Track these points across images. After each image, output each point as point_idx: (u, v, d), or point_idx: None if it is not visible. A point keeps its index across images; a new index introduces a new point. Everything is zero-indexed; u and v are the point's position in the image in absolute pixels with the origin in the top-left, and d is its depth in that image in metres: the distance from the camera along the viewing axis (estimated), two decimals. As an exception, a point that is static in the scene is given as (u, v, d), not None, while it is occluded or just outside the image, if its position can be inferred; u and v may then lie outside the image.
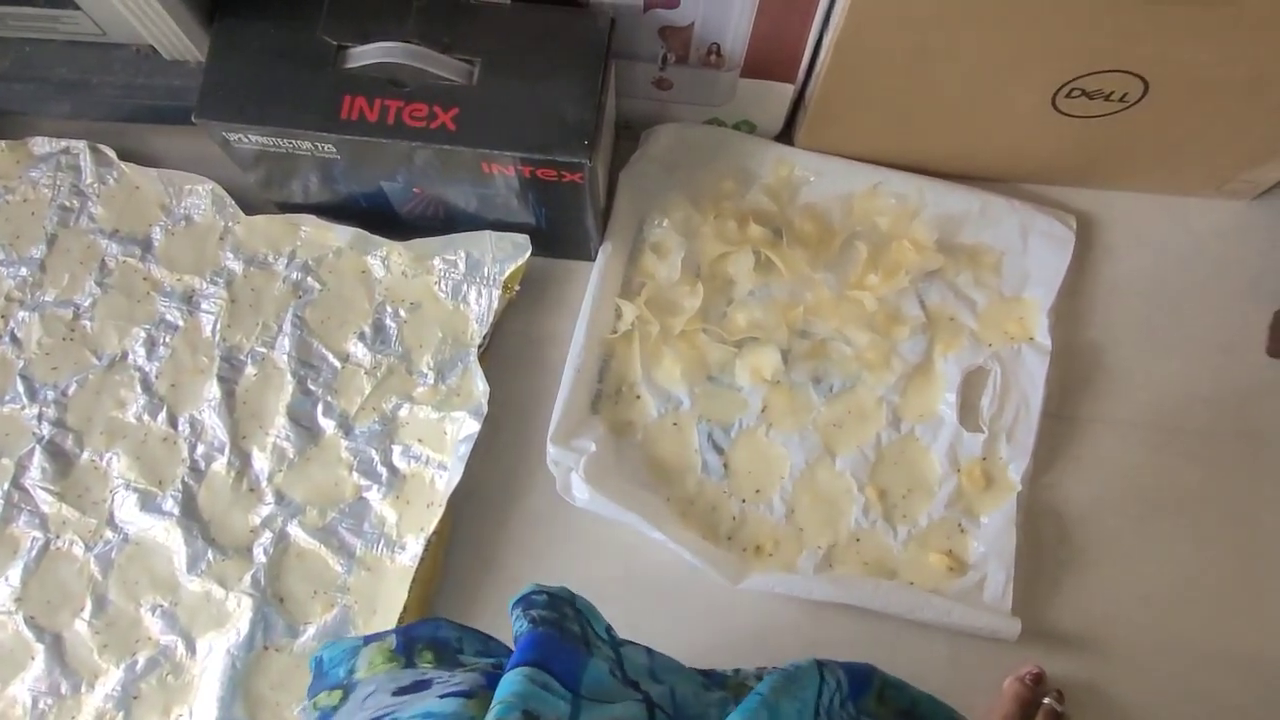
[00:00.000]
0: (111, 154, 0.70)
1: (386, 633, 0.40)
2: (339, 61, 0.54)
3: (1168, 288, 0.69)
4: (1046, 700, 0.58)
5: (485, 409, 0.63)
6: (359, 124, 0.54)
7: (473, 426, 0.63)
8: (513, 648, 0.37)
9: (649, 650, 0.40)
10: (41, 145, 0.71)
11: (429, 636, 0.41)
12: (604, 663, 0.38)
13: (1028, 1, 0.51)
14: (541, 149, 0.53)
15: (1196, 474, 0.65)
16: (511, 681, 0.34)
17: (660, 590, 0.63)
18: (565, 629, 0.38)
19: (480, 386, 0.64)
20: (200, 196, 0.69)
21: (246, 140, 0.56)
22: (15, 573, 0.63)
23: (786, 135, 0.70)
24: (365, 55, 0.54)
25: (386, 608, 0.61)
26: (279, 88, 0.54)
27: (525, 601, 0.39)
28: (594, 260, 0.67)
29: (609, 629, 0.41)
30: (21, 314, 0.67)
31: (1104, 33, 0.53)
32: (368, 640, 0.40)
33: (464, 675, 0.37)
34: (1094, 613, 0.63)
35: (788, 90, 0.64)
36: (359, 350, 0.66)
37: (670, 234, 0.68)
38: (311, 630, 0.61)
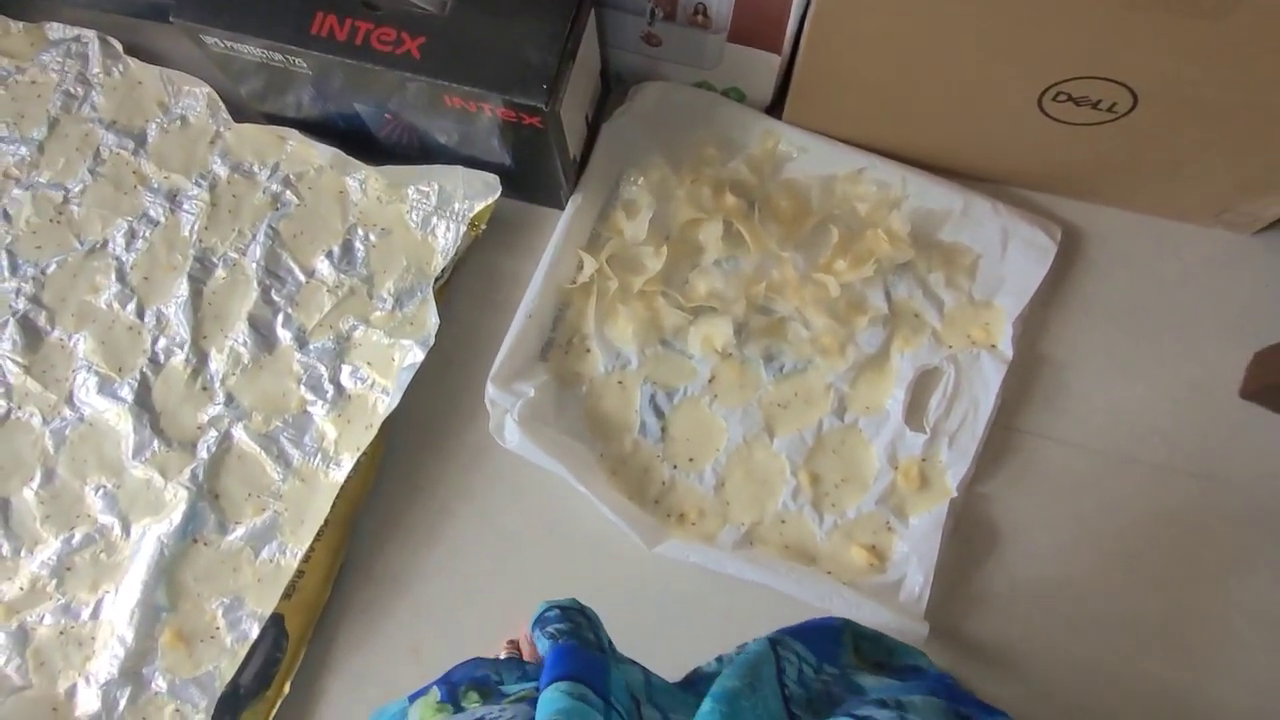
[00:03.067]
0: (119, 47, 0.72)
1: (428, 686, 0.41)
2: (319, -24, 0.55)
3: (1146, 313, 0.67)
4: None
5: (432, 341, 0.64)
6: (327, 41, 0.54)
7: (417, 356, 0.64)
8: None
9: (645, 670, 0.41)
10: (56, 31, 0.73)
11: (469, 677, 0.42)
12: (619, 672, 0.38)
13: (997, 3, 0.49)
14: (500, 88, 0.54)
15: (1142, 507, 0.63)
16: (550, 700, 0.34)
17: (580, 544, 0.64)
18: (583, 638, 0.39)
19: (432, 319, 0.64)
20: (197, 99, 0.71)
21: (221, 45, 0.57)
22: (-25, 435, 0.66)
23: (777, 109, 0.69)
24: (345, -26, 0.54)
25: (313, 519, 0.63)
26: (256, -3, 0.55)
27: (541, 620, 0.40)
28: (563, 209, 0.67)
29: (610, 642, 0.42)
30: (16, 191, 0.70)
31: (1088, 36, 0.51)
32: (412, 699, 0.41)
33: (512, 707, 0.38)
34: (1013, 630, 0.62)
35: (775, 61, 0.63)
36: (325, 268, 0.68)
37: (643, 193, 0.67)
38: (240, 530, 0.63)
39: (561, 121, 0.57)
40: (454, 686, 0.42)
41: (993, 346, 0.65)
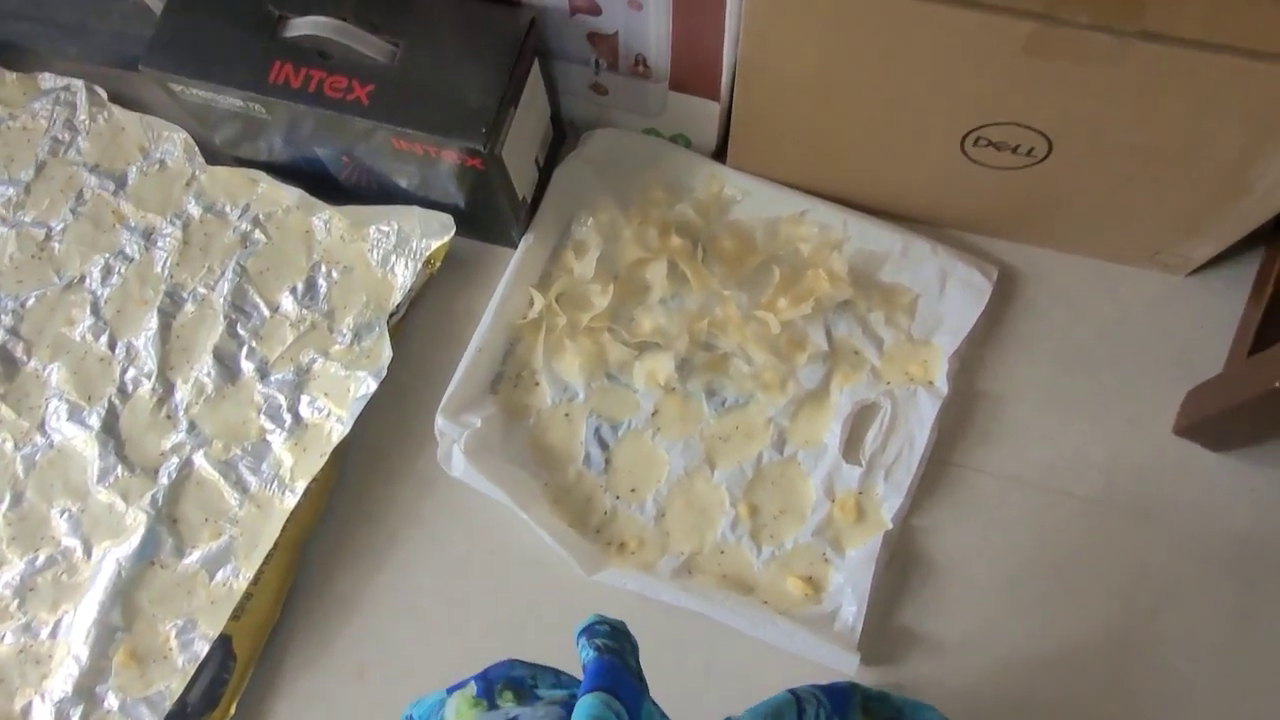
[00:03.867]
0: (104, 95, 0.76)
1: (465, 681, 0.42)
2: (278, 29, 0.59)
3: (1082, 351, 0.68)
4: None
5: (385, 372, 0.66)
6: (283, 88, 0.58)
7: (370, 387, 0.66)
8: (579, 678, 0.38)
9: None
10: (48, 80, 0.78)
11: (505, 676, 0.43)
12: (649, 706, 0.39)
13: (915, 45, 0.52)
14: (443, 131, 0.57)
15: (1076, 541, 0.64)
16: (587, 705, 0.35)
17: (522, 569, 0.65)
18: (627, 663, 0.39)
19: (386, 352, 0.67)
20: (174, 144, 0.75)
21: (188, 92, 0.61)
22: (-50, 459, 0.69)
23: (721, 154, 0.72)
24: (300, 26, 0.58)
25: (265, 543, 0.65)
26: (219, 46, 0.59)
27: (589, 630, 0.41)
28: (515, 248, 0.70)
29: (644, 677, 0.42)
30: (1, 229, 0.74)
31: (997, 82, 0.53)
32: (450, 691, 0.42)
33: (545, 709, 0.39)
34: (946, 663, 0.62)
35: (715, 108, 0.66)
36: (289, 303, 0.71)
37: (592, 233, 0.70)
38: (196, 554, 0.66)
39: (504, 164, 0.60)
40: (490, 684, 0.42)
41: (930, 383, 0.67)
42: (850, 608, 0.62)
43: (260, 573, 0.63)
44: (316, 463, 0.67)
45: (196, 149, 0.74)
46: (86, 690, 0.63)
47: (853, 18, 0.52)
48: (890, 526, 0.64)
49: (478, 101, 0.57)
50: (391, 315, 0.69)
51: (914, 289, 0.69)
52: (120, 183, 0.75)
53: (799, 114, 0.62)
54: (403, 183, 0.67)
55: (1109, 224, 0.65)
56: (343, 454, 0.66)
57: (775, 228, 0.71)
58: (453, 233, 0.68)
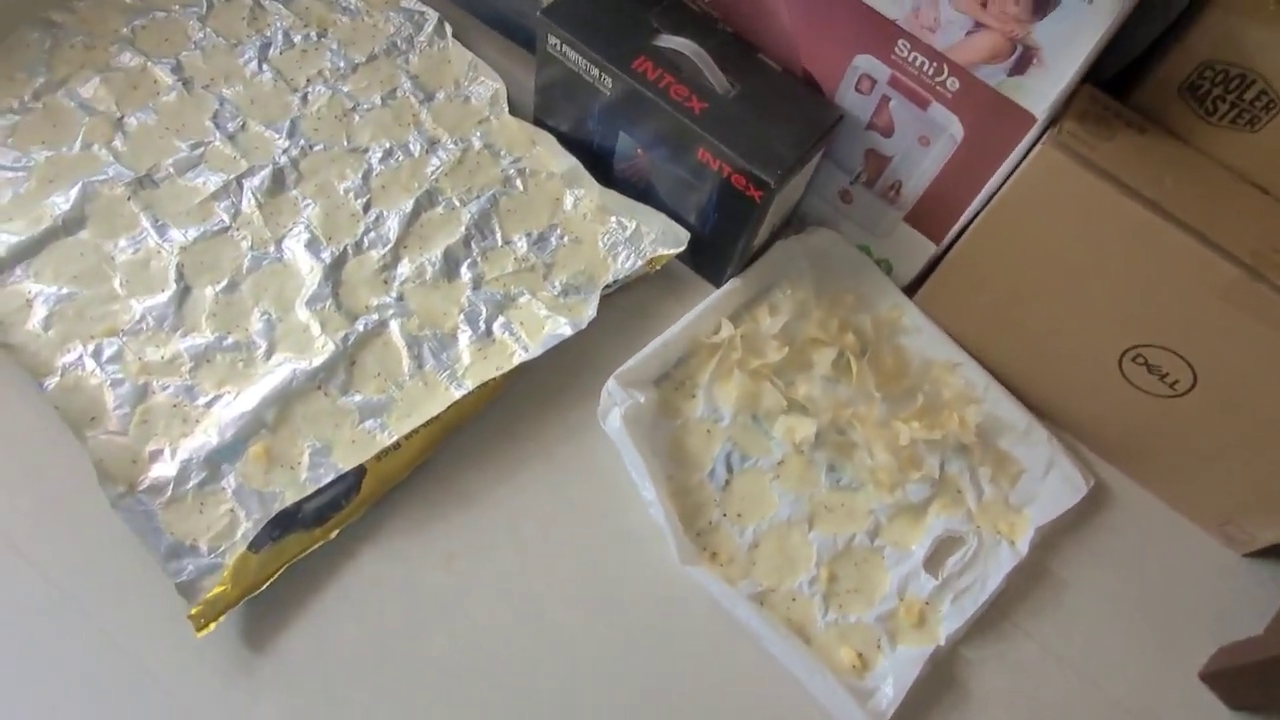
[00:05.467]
0: (449, 30, 0.90)
1: None
2: (652, 38, 0.73)
3: (1141, 579, 0.77)
4: None
5: (583, 326, 0.76)
6: (639, 75, 0.71)
7: (565, 331, 0.76)
8: None
9: None
10: (408, 1, 0.92)
11: None
12: None
13: (1130, 253, 0.65)
14: (746, 157, 0.69)
15: (1091, 729, 0.71)
16: None
17: (623, 537, 0.71)
18: None
19: (589, 312, 0.77)
20: (486, 88, 0.88)
21: (558, 48, 0.74)
22: (194, 232, 0.77)
23: (913, 289, 0.84)
24: (671, 41, 0.73)
25: (421, 414, 0.72)
26: (602, 29, 0.73)
27: None
28: (717, 287, 0.82)
29: None
30: (320, 87, 0.86)
31: (1181, 310, 0.66)
32: None
33: None
34: (948, 782, 0.67)
35: (931, 249, 0.79)
36: (521, 243, 0.81)
37: (787, 301, 0.82)
38: (358, 398, 0.73)
39: (772, 205, 0.73)
40: None
41: (1012, 542, 0.75)
42: (889, 692, 0.68)
43: (411, 434, 0.70)
44: (490, 372, 0.75)
45: (504, 100, 0.87)
46: (214, 463, 0.68)
47: (1089, 214, 0.65)
48: (942, 644, 0.70)
49: (780, 152, 0.70)
50: (603, 289, 0.79)
51: (1023, 463, 0.79)
52: (429, 97, 0.88)
53: (996, 285, 0.75)
54: (664, 192, 0.79)
55: (1201, 479, 0.76)
56: (515, 376, 0.74)
57: (930, 366, 0.82)
58: (684, 247, 0.80)
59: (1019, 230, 0.70)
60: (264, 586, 0.64)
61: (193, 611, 0.62)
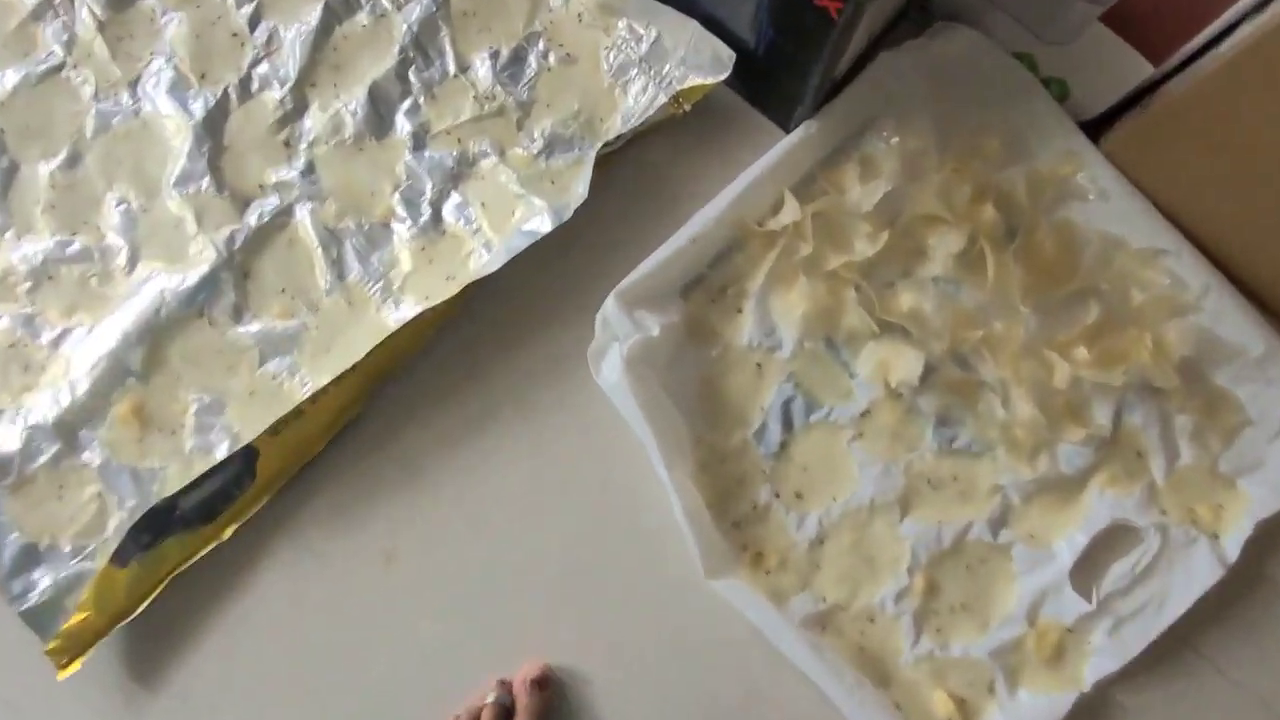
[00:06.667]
0: None
1: None
2: None
3: None
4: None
5: (568, 215, 0.50)
6: None
7: (543, 225, 0.50)
8: None
9: None
10: None
11: None
12: None
13: None
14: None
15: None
16: None
17: (628, 533, 0.51)
18: None
19: (579, 188, 0.50)
20: None
21: None
22: (14, 78, 0.53)
23: (1096, 129, 0.53)
24: None
25: (342, 354, 0.50)
26: None
27: None
28: (788, 132, 0.52)
29: None
30: None
31: None
32: None
33: None
34: None
35: (1142, 71, 0.47)
36: (483, 69, 0.54)
37: (891, 156, 0.52)
38: (256, 327, 0.51)
39: (859, 20, 0.42)
40: None
41: (1215, 536, 0.50)
42: (997, 760, 0.48)
43: (324, 391, 0.49)
44: (439, 286, 0.51)
45: None
46: (69, 429, 0.50)
47: None
48: (1088, 690, 0.49)
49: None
50: (603, 145, 0.52)
51: (1249, 412, 0.51)
52: None
53: (1245, 136, 0.43)
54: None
55: None
56: (473, 291, 0.50)
57: (1113, 253, 0.52)
58: (725, 74, 0.50)
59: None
60: (140, 609, 0.48)
61: (49, 647, 0.47)
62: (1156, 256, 0.52)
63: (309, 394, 0.49)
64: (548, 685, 0.48)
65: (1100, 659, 0.49)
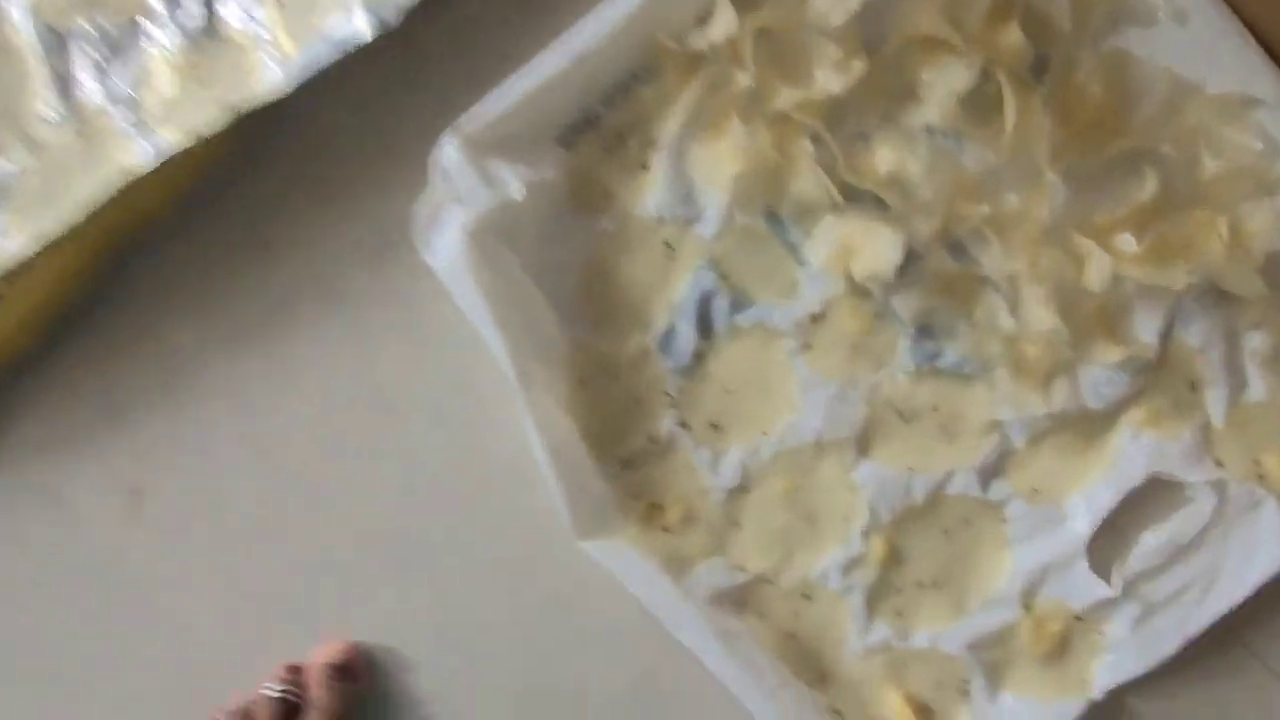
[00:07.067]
0: None
1: None
2: None
3: None
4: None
5: (395, 21, 0.34)
6: None
7: (357, 30, 0.34)
8: None
9: None
10: None
11: None
12: None
13: None
14: None
15: None
16: None
17: (476, 470, 0.37)
18: None
19: (412, -24, 0.34)
20: None
21: None
22: None
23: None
24: None
25: (58, 211, 0.35)
26: None
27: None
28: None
29: None
30: None
31: None
32: None
33: None
34: None
35: None
36: None
37: (877, -55, 0.36)
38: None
39: None
40: None
41: (1287, 497, 0.37)
42: (967, 792, 0.35)
43: (30, 265, 0.33)
44: (209, 113, 0.35)
45: None
46: None
47: None
48: (1096, 697, 0.36)
49: None
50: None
51: (1347, 328, 0.37)
52: None
53: None
54: None
55: None
56: (259, 128, 0.34)
57: (1184, 101, 0.37)
58: None
59: None
60: None
61: None
62: (1246, 108, 0.37)
63: (6, 269, 0.34)
64: (354, 674, 0.35)
65: (1118, 658, 0.36)
